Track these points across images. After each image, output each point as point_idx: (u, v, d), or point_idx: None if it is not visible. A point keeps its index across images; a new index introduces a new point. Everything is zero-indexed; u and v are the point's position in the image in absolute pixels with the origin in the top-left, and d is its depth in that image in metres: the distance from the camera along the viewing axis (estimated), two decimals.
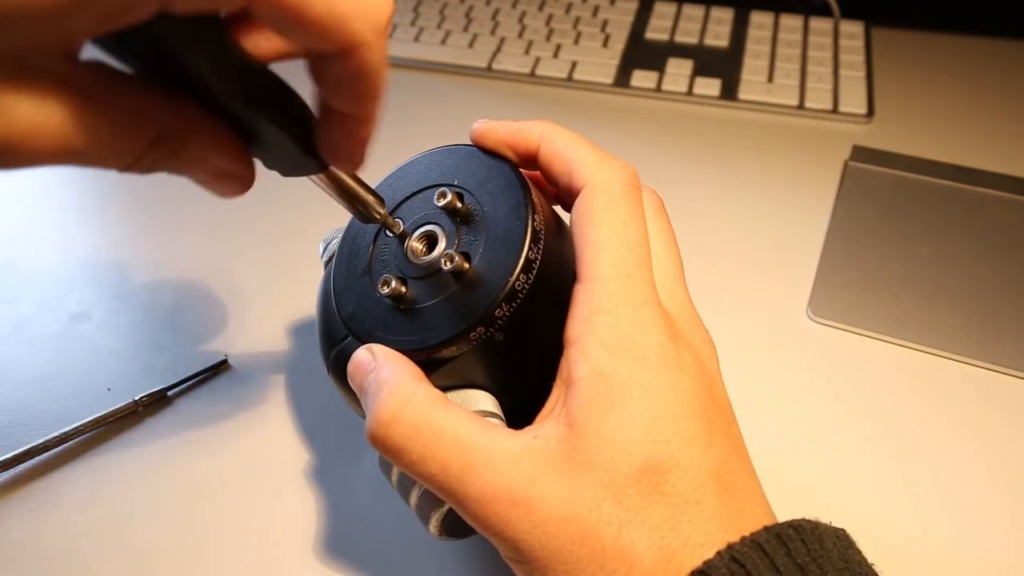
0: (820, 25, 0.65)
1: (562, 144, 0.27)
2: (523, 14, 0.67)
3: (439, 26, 0.66)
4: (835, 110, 0.58)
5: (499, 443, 0.23)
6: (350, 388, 0.26)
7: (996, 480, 0.36)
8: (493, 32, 0.65)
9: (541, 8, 0.67)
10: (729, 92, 0.59)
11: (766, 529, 0.22)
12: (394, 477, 0.28)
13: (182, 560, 0.33)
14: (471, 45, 0.64)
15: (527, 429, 0.24)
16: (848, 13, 0.66)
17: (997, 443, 0.37)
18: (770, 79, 0.60)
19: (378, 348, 0.26)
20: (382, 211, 0.27)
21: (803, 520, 0.23)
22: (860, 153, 0.54)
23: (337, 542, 0.33)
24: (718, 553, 0.21)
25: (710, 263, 0.46)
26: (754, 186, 0.52)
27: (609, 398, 0.23)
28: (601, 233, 0.25)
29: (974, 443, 0.37)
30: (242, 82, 0.20)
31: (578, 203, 0.26)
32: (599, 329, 0.23)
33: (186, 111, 0.20)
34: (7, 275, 0.46)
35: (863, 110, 0.58)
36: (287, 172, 0.24)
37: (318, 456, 0.37)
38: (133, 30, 0.17)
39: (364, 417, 0.25)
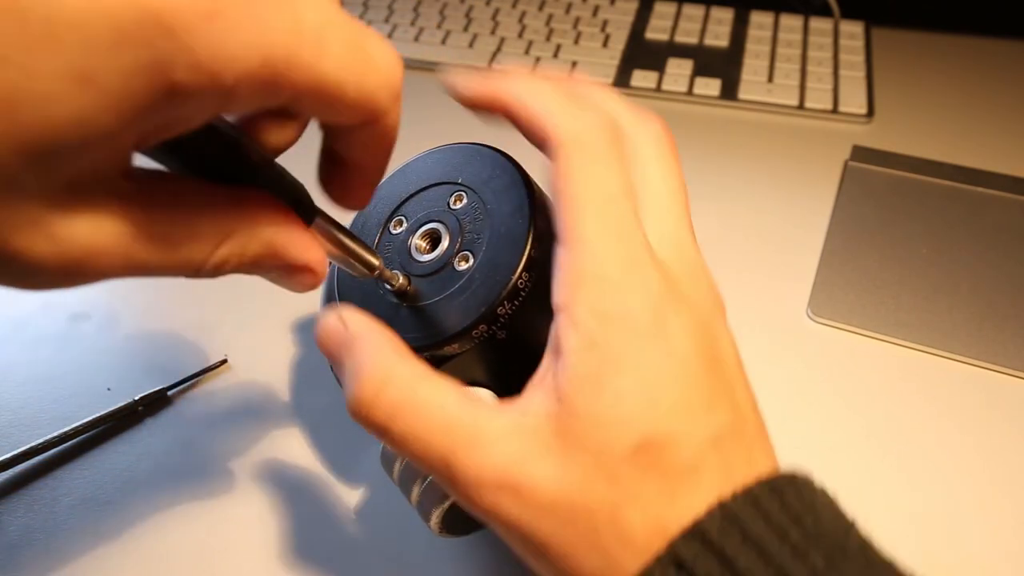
0: (820, 25, 0.65)
1: (529, 100, 0.25)
2: (523, 14, 0.67)
3: (439, 26, 0.66)
4: (835, 110, 0.58)
5: (483, 422, 0.22)
6: None
7: (997, 480, 0.36)
8: (493, 32, 0.65)
9: (541, 8, 0.67)
10: (729, 92, 0.59)
11: (758, 483, 0.21)
12: (395, 473, 0.28)
13: (182, 560, 0.33)
14: (471, 45, 0.64)
15: (516, 403, 0.23)
16: (848, 13, 0.66)
17: (998, 443, 0.37)
18: (770, 79, 0.60)
19: (350, 315, 0.24)
20: (377, 262, 0.26)
21: (788, 474, 0.22)
22: (860, 153, 0.54)
23: (338, 542, 0.33)
24: (708, 511, 0.20)
25: (710, 263, 0.46)
26: (754, 186, 0.52)
27: (600, 373, 0.21)
28: (578, 191, 0.23)
29: (974, 443, 0.37)
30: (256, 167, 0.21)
31: (552, 162, 0.24)
32: (587, 296, 0.22)
33: (248, 204, 0.20)
34: None
35: (863, 110, 0.58)
36: None
37: (318, 456, 0.36)
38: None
39: None
